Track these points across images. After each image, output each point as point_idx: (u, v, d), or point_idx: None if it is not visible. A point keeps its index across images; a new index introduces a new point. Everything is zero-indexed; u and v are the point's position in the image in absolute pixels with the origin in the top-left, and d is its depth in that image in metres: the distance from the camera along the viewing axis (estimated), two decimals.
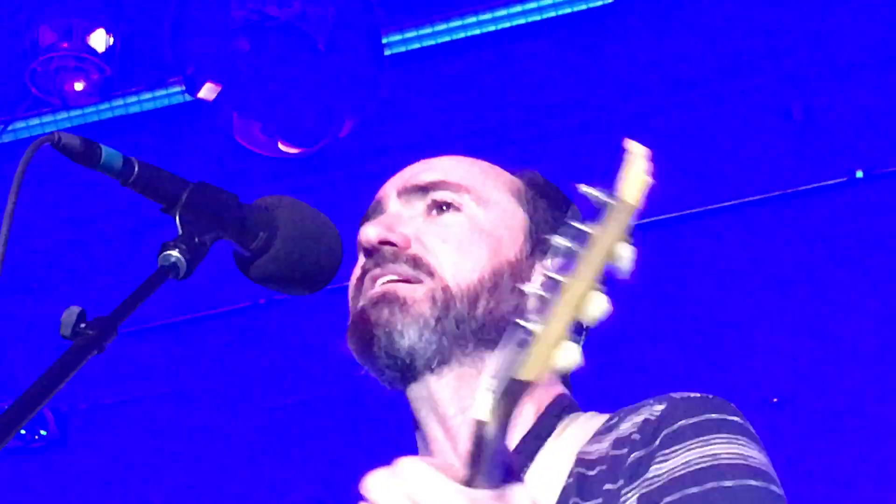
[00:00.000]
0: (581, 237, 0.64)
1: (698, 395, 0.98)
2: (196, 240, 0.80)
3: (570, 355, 0.66)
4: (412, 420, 1.07)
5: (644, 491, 0.89)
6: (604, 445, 0.97)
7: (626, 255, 0.65)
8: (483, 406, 0.68)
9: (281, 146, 2.75)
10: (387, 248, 1.02)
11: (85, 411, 3.57)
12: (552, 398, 1.05)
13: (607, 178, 0.63)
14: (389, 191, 1.10)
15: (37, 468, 3.56)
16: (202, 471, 3.50)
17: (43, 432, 3.66)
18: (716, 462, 0.88)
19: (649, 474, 0.90)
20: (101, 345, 0.75)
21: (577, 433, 1.01)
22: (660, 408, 0.96)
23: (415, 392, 1.03)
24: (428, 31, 2.83)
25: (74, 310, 0.75)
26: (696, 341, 3.07)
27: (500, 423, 0.67)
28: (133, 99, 2.93)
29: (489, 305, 1.03)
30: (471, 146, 2.33)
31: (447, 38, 2.82)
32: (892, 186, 2.96)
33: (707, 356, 3.02)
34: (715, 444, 0.90)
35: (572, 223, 0.64)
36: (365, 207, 1.13)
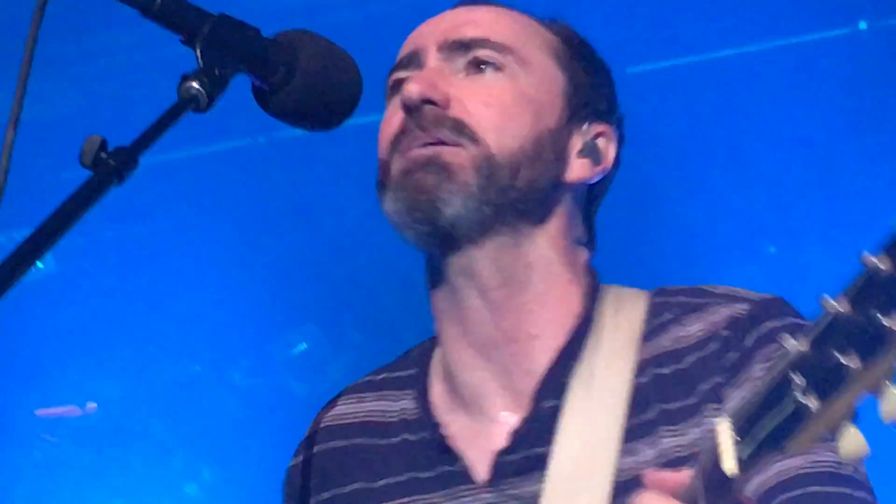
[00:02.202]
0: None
1: (770, 296, 1.01)
2: (217, 72, 0.79)
3: (856, 441, 0.60)
4: (433, 280, 1.05)
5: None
6: (669, 343, 0.98)
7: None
8: (730, 458, 0.66)
9: None
10: (428, 107, 0.98)
11: (84, 243, 3.59)
12: (585, 280, 1.06)
13: None
14: (429, 43, 1.04)
15: (33, 301, 3.57)
16: (203, 305, 3.57)
17: (40, 265, 3.72)
18: None
19: (753, 373, 0.92)
20: (121, 175, 0.75)
21: (626, 321, 1.02)
22: (742, 308, 0.98)
23: (453, 261, 1.01)
24: None
25: (96, 139, 0.74)
26: (692, 193, 3.10)
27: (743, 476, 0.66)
28: None
29: (530, 175, 1.00)
30: None
31: None
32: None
33: (704, 208, 3.04)
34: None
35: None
36: (383, 48, 1.09)
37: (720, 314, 0.98)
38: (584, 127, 1.05)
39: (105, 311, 3.21)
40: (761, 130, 2.91)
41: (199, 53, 0.79)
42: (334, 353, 2.93)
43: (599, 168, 1.05)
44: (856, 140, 2.61)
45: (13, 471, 3.18)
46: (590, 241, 1.09)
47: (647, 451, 0.95)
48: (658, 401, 0.97)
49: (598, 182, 1.07)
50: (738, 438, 0.65)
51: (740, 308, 0.98)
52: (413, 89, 0.98)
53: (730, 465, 0.66)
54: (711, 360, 0.95)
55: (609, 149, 1.06)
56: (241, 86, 0.86)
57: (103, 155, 0.74)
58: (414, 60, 1.03)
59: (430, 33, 1.05)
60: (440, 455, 1.01)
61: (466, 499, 0.99)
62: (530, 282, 1.02)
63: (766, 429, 0.63)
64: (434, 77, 1.00)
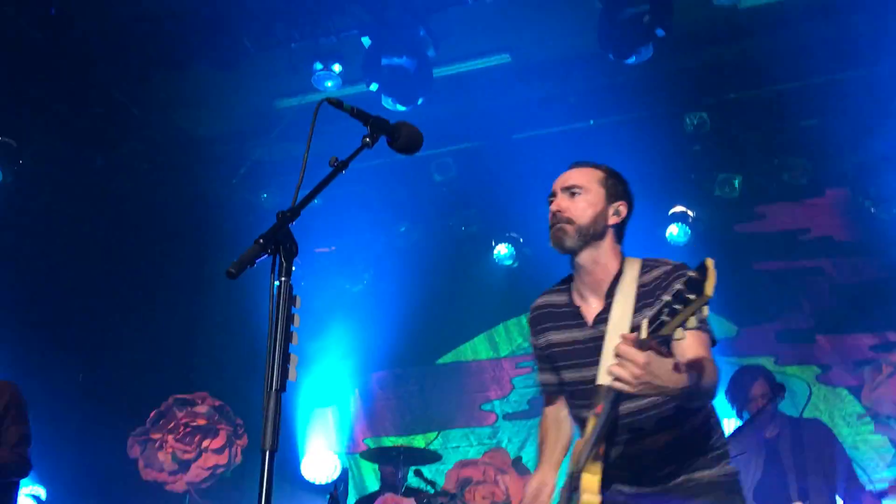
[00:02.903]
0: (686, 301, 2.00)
1: (677, 263, 2.55)
2: (375, 135, 2.27)
3: (681, 334, 2.05)
4: (571, 261, 2.70)
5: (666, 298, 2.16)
6: (647, 280, 2.53)
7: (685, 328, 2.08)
8: (644, 332, 2.09)
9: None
10: (559, 214, 2.66)
11: None
12: (619, 258, 2.67)
13: None
14: (557, 187, 2.72)
15: None
16: None
17: None
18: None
19: (665, 295, 2.14)
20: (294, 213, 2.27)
21: (633, 272, 2.58)
22: (670, 267, 2.52)
23: (574, 257, 2.65)
24: None
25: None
26: None
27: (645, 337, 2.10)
28: None
29: (593, 229, 2.63)
30: None
31: None
32: None
33: None
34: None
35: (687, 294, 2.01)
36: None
37: (663, 269, 2.56)
38: (614, 204, 2.67)
39: None
40: None
41: (369, 129, 2.28)
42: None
43: (619, 218, 2.67)
44: None
45: None
46: (621, 241, 2.70)
47: (646, 312, 2.29)
48: (644, 298, 2.50)
49: (621, 222, 2.69)
50: (649, 325, 2.09)
51: (669, 267, 2.55)
52: (555, 206, 2.68)
53: (644, 335, 2.11)
54: (659, 285, 2.49)
55: (622, 209, 2.67)
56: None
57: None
58: (554, 193, 2.71)
59: (559, 182, 2.73)
60: (575, 316, 2.67)
61: (585, 330, 2.62)
62: (601, 260, 2.64)
63: (657, 320, 2.07)
64: (559, 201, 2.68)
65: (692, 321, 2.03)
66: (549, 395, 2.80)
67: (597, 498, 2.25)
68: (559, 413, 2.76)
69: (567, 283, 2.71)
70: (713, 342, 2.43)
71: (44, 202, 7.37)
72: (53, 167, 7.34)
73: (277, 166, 7.71)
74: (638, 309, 2.43)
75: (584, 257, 2.59)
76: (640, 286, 2.46)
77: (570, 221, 2.57)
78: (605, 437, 2.27)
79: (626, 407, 2.42)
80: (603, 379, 2.24)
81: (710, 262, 1.94)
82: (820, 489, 4.66)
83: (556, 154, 7.09)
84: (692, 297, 1.97)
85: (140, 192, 7.58)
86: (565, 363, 2.65)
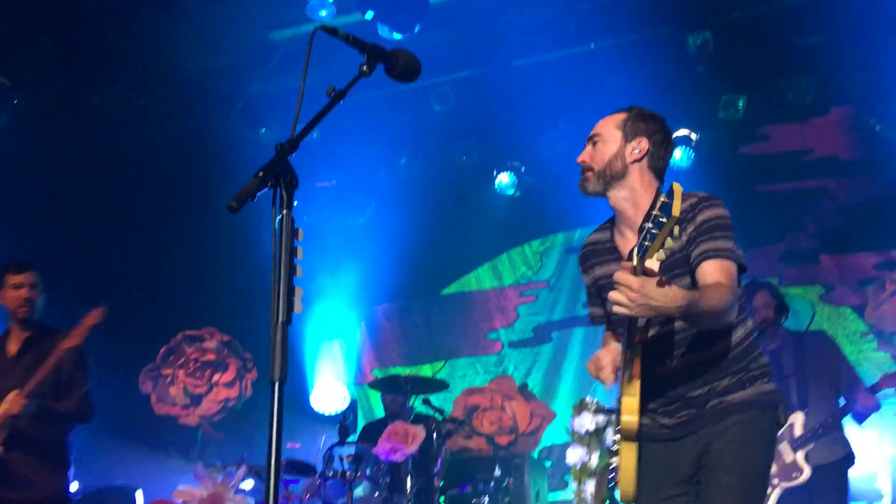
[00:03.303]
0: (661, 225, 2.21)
1: (705, 195, 2.64)
2: (372, 63, 2.22)
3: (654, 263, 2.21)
4: (608, 201, 2.79)
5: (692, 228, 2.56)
6: (682, 209, 2.57)
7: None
8: (643, 262, 2.21)
9: None
10: (582, 164, 2.77)
11: None
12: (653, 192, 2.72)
13: None
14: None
15: None
16: None
17: None
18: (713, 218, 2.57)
19: (697, 222, 2.57)
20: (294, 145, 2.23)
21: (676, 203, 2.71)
22: (694, 200, 2.60)
23: (608, 201, 2.75)
24: None
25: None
26: None
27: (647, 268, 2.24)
28: None
29: (609, 171, 2.71)
30: None
31: None
32: None
33: None
34: (716, 207, 2.60)
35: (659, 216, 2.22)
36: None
37: (690, 201, 2.61)
38: (632, 143, 2.73)
39: None
40: None
41: (365, 57, 2.23)
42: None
43: (641, 154, 2.71)
44: None
45: None
46: (658, 176, 2.76)
47: (674, 244, 2.36)
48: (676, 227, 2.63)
49: (644, 157, 2.73)
50: (638, 252, 2.25)
51: (695, 199, 2.62)
52: (578, 159, 2.79)
53: (635, 262, 2.26)
54: (685, 216, 2.53)
55: (643, 145, 2.71)
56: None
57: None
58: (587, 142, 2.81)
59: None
60: (613, 251, 2.78)
61: (621, 263, 2.68)
62: (629, 197, 2.70)
63: (642, 247, 2.27)
64: (584, 152, 2.79)
65: (707, 245, 2.47)
66: (605, 326, 2.99)
67: (635, 419, 2.38)
68: (614, 338, 2.92)
69: (611, 221, 2.85)
70: (741, 268, 2.56)
71: (40, 141, 7.31)
72: (48, 106, 7.26)
73: (274, 100, 7.61)
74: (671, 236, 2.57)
75: (612, 197, 2.74)
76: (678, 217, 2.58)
77: (589, 169, 2.74)
78: (633, 361, 2.42)
79: (656, 332, 2.54)
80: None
81: (676, 186, 2.21)
82: (821, 398, 4.74)
83: (556, 79, 7.02)
84: (664, 220, 2.18)
85: (137, 130, 7.52)
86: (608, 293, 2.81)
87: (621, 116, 2.77)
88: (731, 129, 7.21)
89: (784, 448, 4.71)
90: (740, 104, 7.06)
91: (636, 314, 2.26)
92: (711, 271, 2.47)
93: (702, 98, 7.19)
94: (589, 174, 2.74)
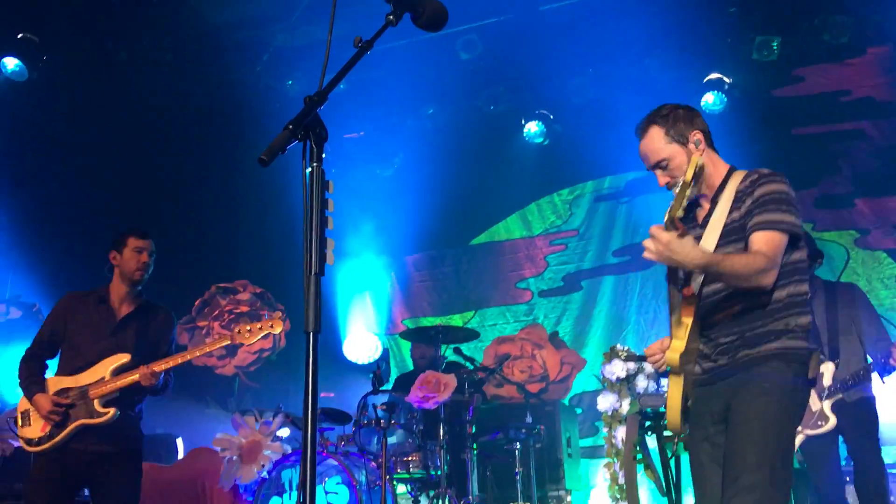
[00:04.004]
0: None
1: (765, 170, 2.81)
2: (399, 11, 2.20)
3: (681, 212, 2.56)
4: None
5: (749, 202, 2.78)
6: (741, 187, 2.81)
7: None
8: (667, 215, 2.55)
9: None
10: (670, 186, 2.92)
11: None
12: (725, 170, 2.93)
13: None
14: (647, 165, 2.96)
15: None
16: None
17: None
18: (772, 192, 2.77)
19: (754, 196, 2.78)
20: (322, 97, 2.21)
21: (735, 182, 2.86)
22: (755, 176, 2.78)
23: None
24: None
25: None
26: None
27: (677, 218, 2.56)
28: None
29: (680, 161, 2.88)
30: None
31: None
32: None
33: None
34: (774, 183, 2.77)
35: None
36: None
37: (752, 177, 2.80)
38: (690, 141, 2.89)
39: None
40: None
41: (392, 6, 2.21)
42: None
43: (703, 143, 2.90)
44: None
45: None
46: (715, 150, 2.96)
47: (734, 214, 2.78)
48: (736, 202, 2.79)
49: (705, 138, 2.92)
50: (669, 212, 2.57)
51: (756, 175, 2.81)
52: (662, 183, 2.95)
53: (666, 218, 2.52)
54: (745, 190, 2.79)
55: (699, 136, 2.89)
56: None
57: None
58: (650, 168, 2.97)
59: (645, 161, 2.97)
60: (693, 220, 2.97)
61: (697, 230, 2.89)
62: (707, 180, 2.90)
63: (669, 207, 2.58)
64: (661, 178, 2.94)
65: (759, 218, 2.70)
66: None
67: (677, 355, 2.71)
68: None
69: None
70: (795, 237, 2.75)
71: (69, 98, 7.37)
72: (77, 62, 7.29)
73: (300, 51, 7.58)
74: (730, 211, 2.83)
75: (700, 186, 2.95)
76: (736, 192, 2.82)
77: (677, 185, 2.87)
78: (681, 308, 2.75)
79: (703, 288, 2.81)
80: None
81: (694, 157, 2.67)
82: (851, 350, 4.73)
83: (586, 25, 6.88)
84: (680, 181, 2.58)
85: (165, 85, 7.54)
86: None
87: (660, 130, 2.94)
88: (765, 72, 7.06)
89: (811, 398, 4.72)
90: (775, 45, 6.90)
91: (659, 262, 2.59)
92: (756, 241, 2.71)
93: (735, 40, 7.03)
94: (684, 187, 2.91)
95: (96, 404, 3.90)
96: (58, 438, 3.88)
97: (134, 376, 3.89)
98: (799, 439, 4.76)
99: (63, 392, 3.94)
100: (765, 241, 2.69)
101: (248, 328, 3.92)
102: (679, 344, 2.72)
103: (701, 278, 2.76)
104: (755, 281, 2.66)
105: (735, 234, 2.78)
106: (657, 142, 2.91)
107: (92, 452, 3.90)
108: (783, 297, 2.75)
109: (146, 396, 4.10)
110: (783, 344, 2.71)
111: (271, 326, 3.91)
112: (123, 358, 3.95)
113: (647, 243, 2.56)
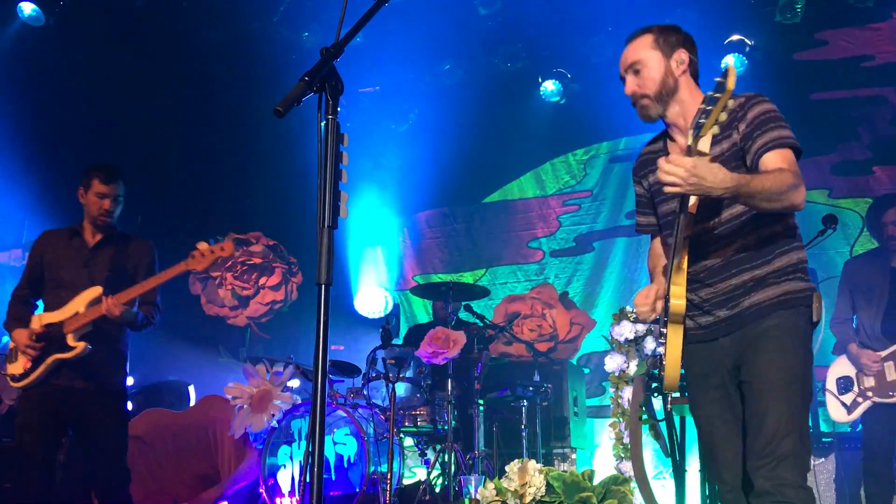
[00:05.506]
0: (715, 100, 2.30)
1: (753, 93, 2.63)
2: None
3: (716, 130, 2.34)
4: (662, 120, 2.81)
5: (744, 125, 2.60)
6: (734, 109, 2.58)
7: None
8: (697, 141, 2.36)
9: None
10: (634, 94, 2.76)
11: None
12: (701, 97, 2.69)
13: None
14: (622, 70, 2.80)
15: None
16: None
17: None
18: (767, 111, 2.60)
19: (746, 117, 2.61)
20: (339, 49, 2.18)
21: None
22: (742, 99, 2.60)
23: (666, 120, 2.77)
24: None
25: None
26: None
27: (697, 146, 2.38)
28: None
29: (665, 90, 2.71)
30: None
31: None
32: None
33: None
34: (765, 102, 2.61)
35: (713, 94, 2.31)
36: None
37: (739, 101, 2.60)
38: (673, 57, 2.73)
39: None
40: None
41: None
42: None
43: (685, 65, 2.73)
44: None
45: None
46: (697, 80, 2.77)
47: (724, 144, 2.61)
48: (723, 130, 2.58)
49: (691, 64, 2.76)
50: (694, 131, 2.36)
51: (743, 98, 2.63)
52: (627, 90, 2.77)
53: (689, 141, 2.37)
54: (735, 115, 2.60)
55: (684, 56, 2.73)
56: None
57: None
58: (622, 76, 2.79)
59: (621, 64, 2.80)
60: (666, 153, 2.74)
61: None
62: (684, 108, 2.71)
63: (697, 126, 2.34)
64: (629, 83, 2.77)
65: (764, 139, 2.52)
66: (652, 235, 3.01)
67: (682, 302, 2.54)
68: (660, 248, 2.96)
69: (664, 132, 2.88)
70: (797, 151, 2.58)
71: (85, 45, 7.33)
72: (93, 9, 7.25)
73: (316, 2, 7.50)
74: (717, 141, 2.61)
75: (671, 114, 2.76)
76: (727, 116, 2.52)
77: (644, 96, 2.74)
78: (681, 253, 2.55)
79: (700, 227, 2.64)
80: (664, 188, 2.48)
81: (729, 63, 2.39)
82: None
83: None
84: (718, 95, 2.27)
85: (181, 33, 7.49)
86: (660, 198, 2.85)
87: (648, 37, 2.77)
88: (787, 34, 6.94)
89: (889, 367, 4.76)
90: (799, 7, 6.77)
91: (686, 192, 2.39)
92: (771, 160, 2.53)
93: (758, 1, 6.90)
94: (645, 101, 2.74)
95: (70, 339, 3.89)
96: (36, 373, 3.89)
97: (104, 307, 3.85)
98: (866, 405, 4.78)
99: (48, 328, 3.95)
100: (782, 158, 2.52)
101: (202, 254, 3.87)
102: (680, 290, 2.53)
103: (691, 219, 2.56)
104: (787, 199, 2.47)
105: (735, 161, 2.60)
106: (640, 46, 2.76)
107: (70, 389, 3.90)
108: (780, 231, 2.63)
109: (127, 332, 4.07)
110: (789, 287, 2.59)
111: (222, 249, 3.87)
112: (97, 291, 3.93)
113: (668, 170, 2.36)
